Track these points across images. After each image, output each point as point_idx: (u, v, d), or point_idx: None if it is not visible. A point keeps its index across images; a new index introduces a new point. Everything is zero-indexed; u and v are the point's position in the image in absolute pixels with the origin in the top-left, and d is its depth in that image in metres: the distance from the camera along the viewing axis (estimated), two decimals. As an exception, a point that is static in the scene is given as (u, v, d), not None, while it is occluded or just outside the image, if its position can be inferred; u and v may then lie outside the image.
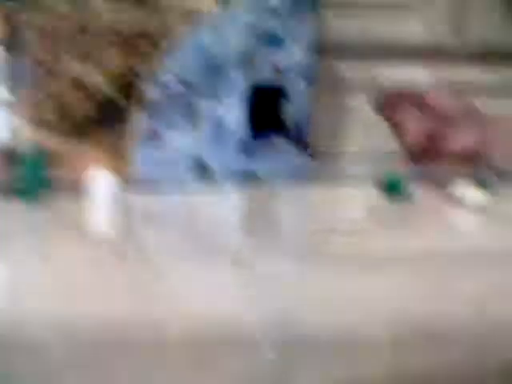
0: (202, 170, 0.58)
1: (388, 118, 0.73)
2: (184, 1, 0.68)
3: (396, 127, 0.73)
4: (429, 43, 0.85)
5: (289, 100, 0.73)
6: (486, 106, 0.76)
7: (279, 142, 0.72)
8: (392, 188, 0.30)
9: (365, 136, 0.83)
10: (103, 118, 0.64)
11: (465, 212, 0.28)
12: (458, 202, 0.28)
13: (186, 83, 0.68)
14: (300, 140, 0.74)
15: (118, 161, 0.65)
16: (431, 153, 0.70)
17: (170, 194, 0.35)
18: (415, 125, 0.69)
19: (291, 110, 0.73)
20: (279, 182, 0.42)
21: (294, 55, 0.72)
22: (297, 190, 0.39)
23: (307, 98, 0.74)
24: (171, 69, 0.68)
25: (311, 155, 0.75)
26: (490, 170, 0.44)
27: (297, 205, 0.32)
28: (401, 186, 0.30)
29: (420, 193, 0.33)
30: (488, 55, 0.87)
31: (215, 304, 0.14)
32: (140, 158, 0.66)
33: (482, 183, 0.29)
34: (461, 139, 0.68)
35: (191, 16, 0.68)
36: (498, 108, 0.81)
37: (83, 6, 0.64)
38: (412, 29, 0.84)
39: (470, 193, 0.27)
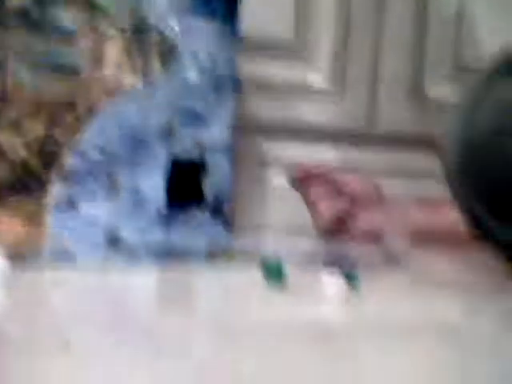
0: (116, 242, 0.59)
1: (302, 195, 0.76)
2: (108, 76, 0.70)
3: (309, 205, 0.77)
4: (343, 127, 0.90)
5: (209, 175, 0.75)
6: (387, 187, 0.81)
7: (198, 216, 0.74)
8: (270, 273, 0.32)
9: (284, 211, 0.86)
10: (21, 186, 0.64)
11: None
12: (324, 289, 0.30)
13: (105, 153, 0.70)
14: (219, 213, 0.76)
15: (34, 229, 0.64)
16: (340, 232, 0.73)
17: (83, 269, 0.35)
18: (326, 205, 0.72)
19: (211, 185, 0.75)
20: (197, 256, 0.43)
21: (214, 132, 0.75)
22: (215, 270, 0.40)
23: (228, 173, 0.76)
24: (92, 139, 0.69)
25: (230, 229, 0.77)
26: (385, 252, 0.47)
27: (214, 287, 0.33)
28: (278, 272, 0.31)
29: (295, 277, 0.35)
30: (396, 141, 0.93)
31: None
32: (54, 226, 0.66)
33: (349, 275, 0.31)
34: (369, 222, 0.72)
35: (115, 90, 0.70)
36: (398, 190, 0.86)
37: (5, 74, 0.65)
38: (328, 113, 0.89)
39: (330, 286, 0.29)
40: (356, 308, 0.30)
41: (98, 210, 0.69)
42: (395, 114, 0.92)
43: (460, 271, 0.47)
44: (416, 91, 0.94)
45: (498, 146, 0.37)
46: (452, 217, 0.52)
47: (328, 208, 0.72)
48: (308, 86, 0.87)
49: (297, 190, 0.76)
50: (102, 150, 0.69)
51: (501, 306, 0.31)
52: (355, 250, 0.62)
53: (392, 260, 0.46)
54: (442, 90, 0.92)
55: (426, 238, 0.69)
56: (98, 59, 0.70)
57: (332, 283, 0.30)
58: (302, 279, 0.39)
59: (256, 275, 0.35)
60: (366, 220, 0.73)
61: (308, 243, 0.67)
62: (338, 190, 0.74)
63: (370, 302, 0.31)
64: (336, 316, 0.28)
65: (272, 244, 0.61)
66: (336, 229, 0.74)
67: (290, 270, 0.35)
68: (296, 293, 0.34)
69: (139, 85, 0.71)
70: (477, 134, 0.38)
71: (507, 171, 0.36)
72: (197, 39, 0.74)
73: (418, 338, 0.21)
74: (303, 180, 0.75)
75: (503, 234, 0.39)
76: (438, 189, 0.45)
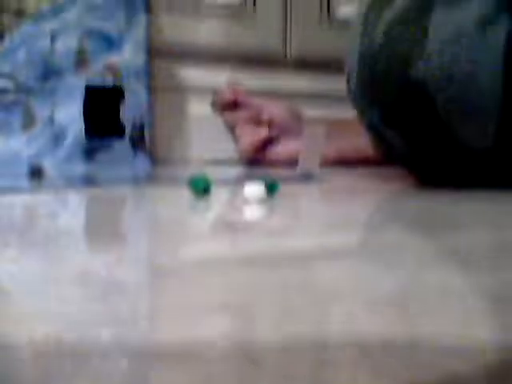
0: (37, 174, 0.59)
1: (224, 121, 0.79)
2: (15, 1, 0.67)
3: (231, 132, 0.79)
4: (259, 51, 0.92)
5: (126, 102, 0.74)
6: (303, 110, 0.85)
7: (118, 145, 0.74)
8: (196, 186, 0.34)
9: (205, 141, 0.87)
10: None
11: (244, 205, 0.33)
12: (244, 199, 0.33)
13: (20, 85, 0.68)
14: (139, 143, 0.76)
15: None
16: (260, 159, 0.77)
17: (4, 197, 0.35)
18: (247, 135, 0.75)
19: (128, 112, 0.75)
20: (118, 185, 0.44)
21: (127, 55, 0.74)
22: (137, 193, 0.41)
23: (144, 99, 0.76)
24: (4, 71, 0.67)
25: (150, 159, 0.78)
26: (301, 172, 0.51)
27: (139, 208, 0.34)
28: (205, 186, 0.34)
29: (220, 192, 0.38)
30: (308, 63, 0.96)
31: (62, 319, 0.14)
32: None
33: (268, 183, 0.34)
34: (287, 147, 0.76)
35: (20, 13, 0.67)
36: (314, 112, 0.90)
37: None
38: (244, 37, 0.90)
39: (251, 190, 0.32)
40: (273, 209, 0.33)
41: (16, 142, 0.67)
42: (306, 37, 0.95)
43: (368, 182, 0.51)
44: (325, 12, 0.97)
45: (389, 52, 0.40)
46: (361, 141, 0.56)
47: (248, 138, 0.75)
48: (219, 7, 0.88)
49: (219, 115, 0.78)
50: (11, 77, 0.67)
51: (407, 209, 0.35)
52: (275, 171, 0.65)
53: (307, 178, 0.50)
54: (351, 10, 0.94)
55: (339, 161, 0.73)
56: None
57: (253, 190, 0.32)
58: (226, 191, 0.42)
59: (182, 194, 0.38)
60: (284, 147, 0.77)
61: (231, 170, 0.69)
62: (257, 117, 0.77)
63: (286, 203, 0.35)
64: (254, 217, 0.31)
65: (196, 171, 0.63)
66: (256, 157, 0.77)
67: (215, 187, 0.37)
68: (219, 199, 0.37)
69: (45, 6, 0.68)
70: (370, 44, 0.41)
71: (403, 82, 0.40)
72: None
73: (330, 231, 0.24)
74: (225, 106, 0.77)
75: (406, 149, 0.43)
76: (352, 110, 0.48)
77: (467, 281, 0.18)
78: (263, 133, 0.76)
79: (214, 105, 0.77)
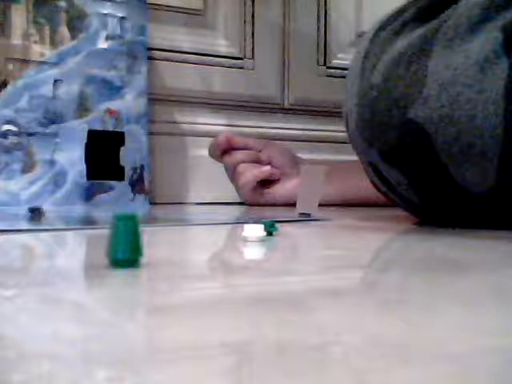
0: (37, 215, 0.59)
1: (226, 165, 0.79)
2: (15, 45, 0.68)
3: (230, 175, 0.80)
4: (258, 98, 0.93)
5: (126, 145, 0.75)
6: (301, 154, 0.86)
7: (117, 187, 0.74)
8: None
9: (203, 183, 0.87)
10: None
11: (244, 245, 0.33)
12: (244, 239, 0.33)
13: (17, 126, 0.68)
14: (138, 185, 0.77)
15: None
16: (259, 199, 0.78)
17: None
18: (245, 177, 0.76)
19: (129, 155, 0.75)
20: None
21: (129, 101, 0.75)
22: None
23: (145, 143, 0.77)
24: (6, 116, 0.67)
25: (150, 201, 0.78)
26: (300, 212, 0.51)
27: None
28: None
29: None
30: (305, 110, 0.97)
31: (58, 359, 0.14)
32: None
33: (268, 224, 0.35)
34: (285, 188, 0.77)
35: (23, 60, 0.68)
36: (312, 156, 0.91)
37: None
38: (245, 85, 0.92)
39: (250, 230, 0.32)
40: (272, 249, 0.33)
41: (16, 186, 0.67)
42: (303, 85, 0.96)
43: (368, 223, 0.51)
44: (322, 60, 0.98)
45: (388, 93, 0.41)
46: (363, 182, 0.57)
47: (247, 176, 0.75)
48: (218, 55, 0.89)
49: (217, 159, 0.79)
50: (13, 123, 0.68)
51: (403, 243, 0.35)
52: (273, 211, 0.65)
53: (306, 218, 0.50)
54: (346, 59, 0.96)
55: (340, 202, 0.74)
56: (2, 28, 0.68)
57: (252, 230, 0.32)
58: (225, 231, 0.42)
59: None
60: (282, 188, 0.78)
61: (230, 210, 0.69)
62: (256, 157, 0.78)
63: (285, 243, 0.35)
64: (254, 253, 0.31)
65: (195, 212, 0.63)
66: (255, 195, 0.77)
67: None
68: (219, 239, 0.37)
69: (48, 54, 0.69)
70: (369, 86, 0.42)
71: (400, 121, 0.40)
72: (106, 5, 0.73)
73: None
74: (223, 150, 0.77)
75: (407, 189, 0.43)
76: (351, 154, 0.48)
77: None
78: (263, 171, 0.76)
79: (211, 152, 0.79)
